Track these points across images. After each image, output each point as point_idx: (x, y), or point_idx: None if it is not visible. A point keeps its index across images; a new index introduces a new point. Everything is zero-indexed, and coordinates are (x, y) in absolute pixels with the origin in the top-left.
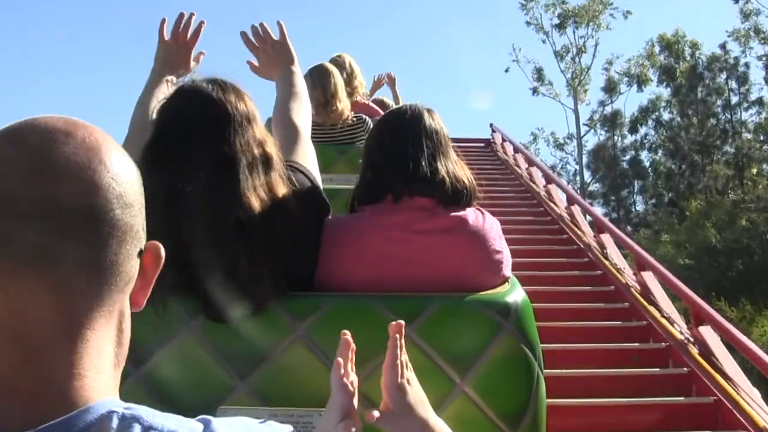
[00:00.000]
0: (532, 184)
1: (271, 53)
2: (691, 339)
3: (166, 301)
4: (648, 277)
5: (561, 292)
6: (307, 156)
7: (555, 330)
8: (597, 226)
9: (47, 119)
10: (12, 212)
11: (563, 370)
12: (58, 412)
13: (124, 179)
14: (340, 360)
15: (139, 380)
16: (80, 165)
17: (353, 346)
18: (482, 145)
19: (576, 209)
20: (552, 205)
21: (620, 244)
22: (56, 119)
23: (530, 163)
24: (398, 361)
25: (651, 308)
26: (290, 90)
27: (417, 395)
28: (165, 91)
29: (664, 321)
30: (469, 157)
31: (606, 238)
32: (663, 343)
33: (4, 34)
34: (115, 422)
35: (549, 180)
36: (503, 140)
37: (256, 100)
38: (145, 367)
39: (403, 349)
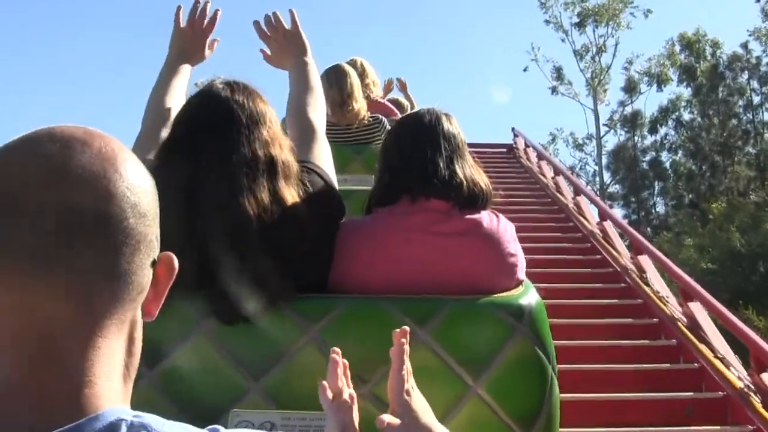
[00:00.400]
0: (559, 195)
1: (283, 42)
2: (753, 387)
3: (180, 301)
4: (696, 308)
5: (597, 326)
6: (322, 155)
7: (591, 374)
8: (634, 246)
9: (64, 128)
10: (28, 219)
11: (600, 429)
12: (67, 418)
13: (138, 189)
14: (324, 383)
15: (152, 382)
16: (96, 174)
17: (343, 362)
18: (504, 150)
19: (609, 225)
20: (582, 219)
21: (652, 265)
22: (73, 128)
23: (557, 171)
24: (404, 368)
25: (702, 346)
26: (304, 83)
27: (420, 402)
28: (183, 81)
29: (718, 363)
30: (490, 165)
31: (645, 260)
32: (720, 392)
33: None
34: (123, 430)
35: (578, 191)
36: (526, 146)
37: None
38: (158, 368)
39: (407, 356)
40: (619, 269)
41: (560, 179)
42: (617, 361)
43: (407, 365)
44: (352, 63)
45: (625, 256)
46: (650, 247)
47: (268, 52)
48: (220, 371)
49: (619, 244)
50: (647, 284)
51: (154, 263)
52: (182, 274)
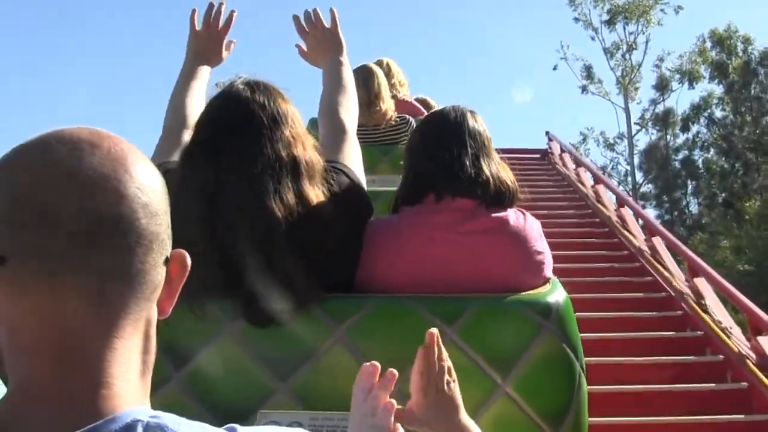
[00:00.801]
0: (600, 206)
1: (321, 39)
2: None
3: (205, 303)
4: (766, 343)
5: (652, 365)
6: (351, 155)
7: (645, 428)
8: (689, 269)
9: (72, 130)
10: (40, 222)
11: None
12: (85, 420)
13: (149, 189)
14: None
15: (180, 383)
16: (106, 175)
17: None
18: (538, 156)
19: (658, 241)
20: (627, 234)
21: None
22: (81, 130)
23: (597, 180)
24: (424, 368)
25: None
26: (337, 82)
27: (447, 401)
28: (202, 84)
29: None
30: (525, 172)
31: (702, 283)
32: None
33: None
34: (139, 431)
35: (621, 203)
36: (562, 150)
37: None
38: (186, 370)
39: (444, 353)
40: (673, 294)
41: (600, 187)
42: (676, 410)
43: (447, 364)
44: (379, 63)
45: (679, 279)
46: (708, 270)
47: (304, 47)
48: (247, 372)
49: (671, 263)
50: (706, 312)
51: (167, 261)
52: (204, 275)
